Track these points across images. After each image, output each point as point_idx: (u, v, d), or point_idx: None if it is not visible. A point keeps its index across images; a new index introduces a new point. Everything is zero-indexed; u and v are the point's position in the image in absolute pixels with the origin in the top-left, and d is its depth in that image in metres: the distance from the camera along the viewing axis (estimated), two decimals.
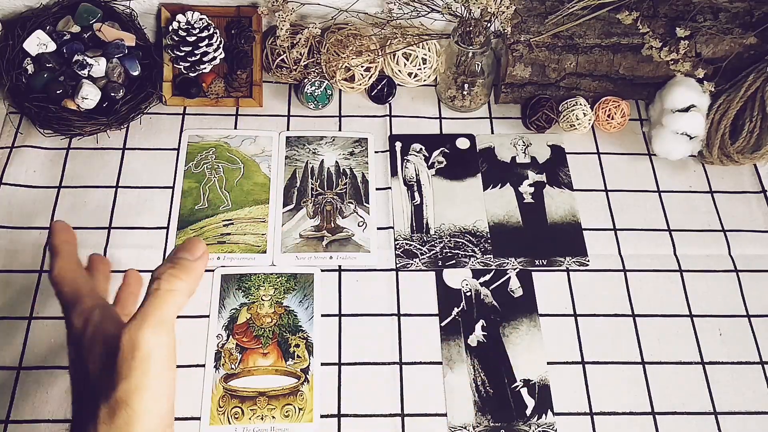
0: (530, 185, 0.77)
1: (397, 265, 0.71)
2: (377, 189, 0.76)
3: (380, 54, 0.80)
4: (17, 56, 0.74)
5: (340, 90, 0.83)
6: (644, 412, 0.64)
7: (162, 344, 0.39)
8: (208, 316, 0.67)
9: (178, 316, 0.66)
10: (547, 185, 0.77)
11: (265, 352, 0.65)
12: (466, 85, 0.79)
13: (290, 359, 0.65)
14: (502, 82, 0.81)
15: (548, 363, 0.66)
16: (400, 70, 0.81)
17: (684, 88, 0.76)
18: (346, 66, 0.79)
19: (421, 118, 0.82)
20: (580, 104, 0.79)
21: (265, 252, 0.71)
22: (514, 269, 0.71)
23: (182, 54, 0.77)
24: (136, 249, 0.70)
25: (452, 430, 0.62)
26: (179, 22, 0.76)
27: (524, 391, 0.65)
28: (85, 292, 0.46)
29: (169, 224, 0.72)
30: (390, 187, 0.76)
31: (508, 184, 0.77)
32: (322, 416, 0.63)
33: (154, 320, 0.40)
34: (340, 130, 0.80)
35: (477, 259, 0.72)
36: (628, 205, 0.76)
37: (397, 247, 0.72)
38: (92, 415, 0.38)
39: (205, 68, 0.78)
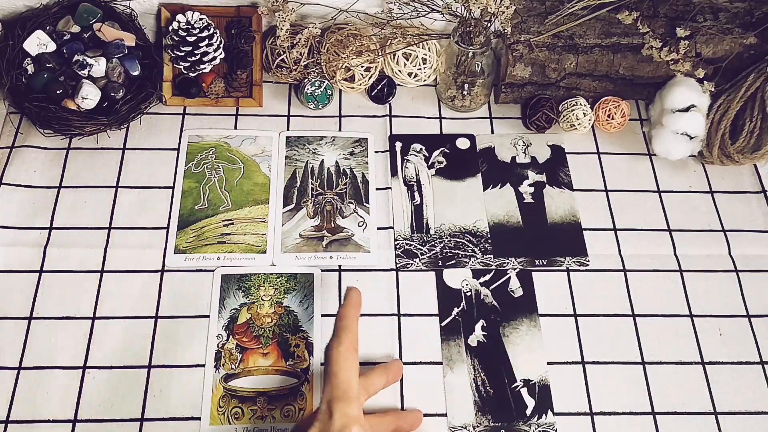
0: (530, 185, 0.77)
1: (397, 265, 0.71)
2: (377, 189, 0.76)
3: (380, 54, 0.80)
4: (17, 56, 0.74)
5: (340, 90, 0.83)
6: (644, 412, 0.64)
7: None
8: (208, 316, 0.67)
9: (179, 317, 0.67)
10: (547, 185, 0.77)
11: (265, 352, 0.65)
12: (466, 85, 0.79)
13: (290, 359, 0.65)
14: (502, 82, 0.81)
15: (548, 363, 0.66)
16: (400, 70, 0.81)
17: (684, 88, 0.76)
18: (346, 66, 0.79)
19: (421, 118, 0.82)
20: (580, 104, 0.79)
21: (265, 252, 0.71)
22: (514, 269, 0.71)
23: (182, 54, 0.77)
24: (136, 249, 0.70)
25: (452, 430, 0.62)
26: (179, 22, 0.76)
27: (524, 391, 0.65)
28: (355, 393, 0.49)
29: (169, 224, 0.72)
30: (390, 187, 0.76)
31: (508, 184, 0.77)
32: None
33: None
34: (340, 130, 0.80)
35: (477, 259, 0.72)
36: (628, 205, 0.76)
37: (397, 247, 0.72)
38: None
39: (205, 68, 0.78)
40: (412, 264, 0.71)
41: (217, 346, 0.65)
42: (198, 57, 0.77)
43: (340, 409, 0.47)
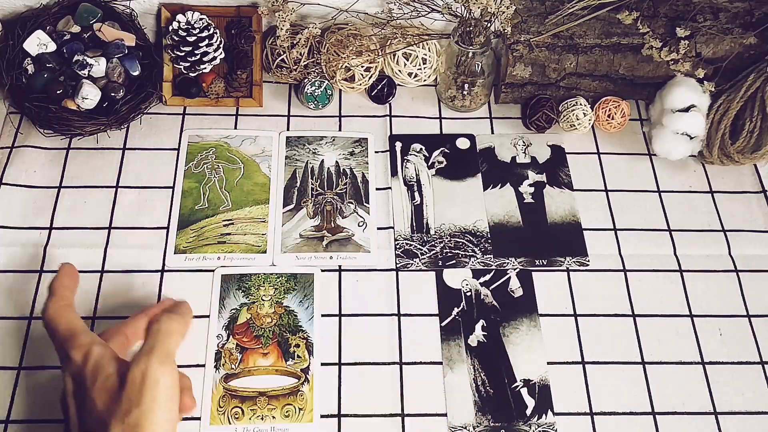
0: (530, 185, 0.77)
1: (397, 265, 0.71)
2: (377, 189, 0.76)
3: (380, 54, 0.80)
4: (17, 56, 0.74)
5: (340, 90, 0.83)
6: (644, 412, 0.64)
7: (167, 374, 0.45)
8: (208, 316, 0.67)
9: None
10: (547, 185, 0.77)
11: (266, 352, 0.65)
12: (466, 85, 0.79)
13: (290, 359, 0.65)
14: (502, 82, 0.81)
15: (548, 363, 0.66)
16: (400, 70, 0.81)
17: (684, 88, 0.76)
18: (346, 66, 0.79)
19: (421, 118, 0.82)
20: (580, 104, 0.79)
21: (265, 252, 0.71)
22: (514, 269, 0.71)
23: (182, 54, 0.77)
24: (136, 249, 0.70)
25: (452, 430, 0.62)
26: (179, 22, 0.76)
27: (524, 391, 0.65)
28: (81, 329, 0.49)
29: (169, 224, 0.72)
30: (390, 187, 0.76)
31: (508, 184, 0.77)
32: (322, 416, 0.63)
33: (160, 354, 0.46)
34: (340, 130, 0.80)
35: (477, 259, 0.72)
36: (628, 205, 0.76)
37: (397, 247, 0.72)
38: None
39: (205, 68, 0.78)
40: (412, 264, 0.71)
41: (217, 346, 0.65)
42: (198, 57, 0.77)
43: (72, 346, 0.47)
